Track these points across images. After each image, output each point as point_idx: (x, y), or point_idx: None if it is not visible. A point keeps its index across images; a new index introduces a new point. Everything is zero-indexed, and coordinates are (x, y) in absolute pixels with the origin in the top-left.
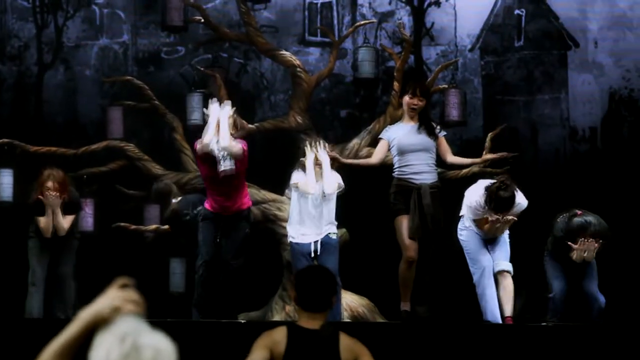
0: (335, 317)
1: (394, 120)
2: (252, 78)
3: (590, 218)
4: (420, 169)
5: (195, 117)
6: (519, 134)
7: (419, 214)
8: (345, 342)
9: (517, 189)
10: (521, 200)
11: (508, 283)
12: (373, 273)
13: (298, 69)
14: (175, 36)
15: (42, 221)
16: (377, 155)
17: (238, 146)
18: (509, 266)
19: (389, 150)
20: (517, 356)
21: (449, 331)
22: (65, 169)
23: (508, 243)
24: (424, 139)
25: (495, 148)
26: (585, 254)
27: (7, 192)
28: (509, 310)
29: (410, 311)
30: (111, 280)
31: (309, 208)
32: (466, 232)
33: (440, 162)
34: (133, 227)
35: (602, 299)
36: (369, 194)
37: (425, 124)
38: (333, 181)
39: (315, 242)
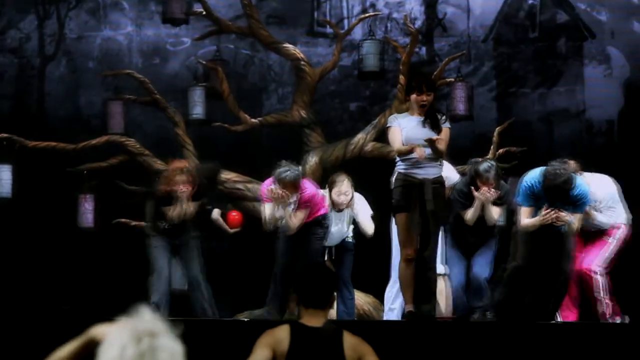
0: (350, 315)
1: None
2: (259, 70)
3: (493, 162)
4: (424, 163)
5: (197, 111)
6: (533, 127)
7: (421, 209)
8: (349, 340)
9: (450, 164)
10: (450, 174)
11: (441, 285)
12: (378, 270)
13: (302, 62)
14: (180, 27)
15: (172, 210)
16: (399, 144)
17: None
18: (441, 269)
19: None
20: (524, 354)
21: (455, 329)
22: (65, 164)
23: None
24: (428, 133)
25: (505, 142)
26: (485, 212)
27: (6, 188)
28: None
29: (415, 311)
30: (111, 276)
31: (332, 219)
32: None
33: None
34: (134, 223)
35: (485, 292)
36: (374, 190)
37: (430, 118)
38: (370, 225)
39: (331, 246)
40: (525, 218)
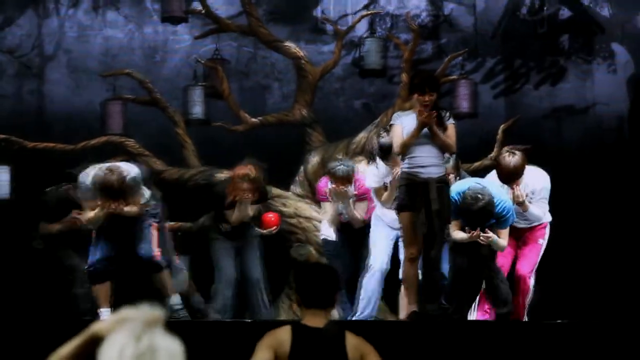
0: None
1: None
2: (262, 68)
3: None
4: (427, 162)
5: (196, 111)
6: (541, 125)
7: (425, 209)
8: (352, 341)
9: None
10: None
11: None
12: None
13: (302, 61)
14: (182, 24)
15: (233, 215)
16: (400, 140)
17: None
18: None
19: None
20: (529, 354)
21: (459, 329)
22: (64, 164)
23: None
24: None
25: (511, 140)
26: None
27: (4, 190)
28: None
29: (419, 311)
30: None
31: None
32: (374, 220)
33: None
34: None
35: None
36: None
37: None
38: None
39: None
40: (455, 230)
